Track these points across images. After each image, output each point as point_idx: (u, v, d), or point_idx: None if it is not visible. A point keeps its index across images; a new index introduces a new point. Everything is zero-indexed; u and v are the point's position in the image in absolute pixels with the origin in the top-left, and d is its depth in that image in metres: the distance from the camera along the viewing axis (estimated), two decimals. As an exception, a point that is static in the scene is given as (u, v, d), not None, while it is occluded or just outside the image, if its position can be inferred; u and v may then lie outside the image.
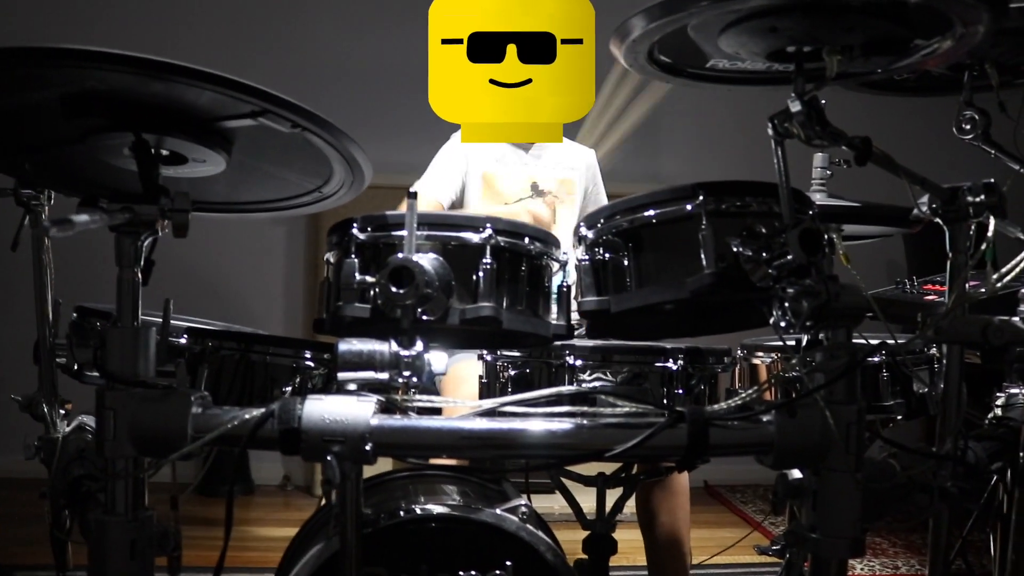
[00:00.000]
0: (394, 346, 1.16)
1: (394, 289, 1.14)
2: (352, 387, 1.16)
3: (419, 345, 1.16)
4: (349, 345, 1.16)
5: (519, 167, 2.30)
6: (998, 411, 1.70)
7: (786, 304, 1.11)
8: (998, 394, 1.71)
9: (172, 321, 1.88)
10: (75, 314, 1.74)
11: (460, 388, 1.84)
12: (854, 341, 1.58)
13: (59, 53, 0.99)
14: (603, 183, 2.45)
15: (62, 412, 1.64)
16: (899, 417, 1.87)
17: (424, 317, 1.18)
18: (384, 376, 1.15)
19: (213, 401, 1.53)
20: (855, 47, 1.14)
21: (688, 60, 1.27)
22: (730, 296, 1.23)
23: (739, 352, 1.91)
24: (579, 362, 1.42)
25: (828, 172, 1.72)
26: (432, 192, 2.25)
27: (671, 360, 1.45)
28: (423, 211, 1.21)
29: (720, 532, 3.11)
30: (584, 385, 1.40)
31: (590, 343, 1.45)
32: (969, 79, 1.53)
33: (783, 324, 1.13)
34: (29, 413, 1.62)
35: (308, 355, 1.49)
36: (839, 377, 1.13)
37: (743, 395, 1.15)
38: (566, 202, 2.29)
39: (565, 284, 1.32)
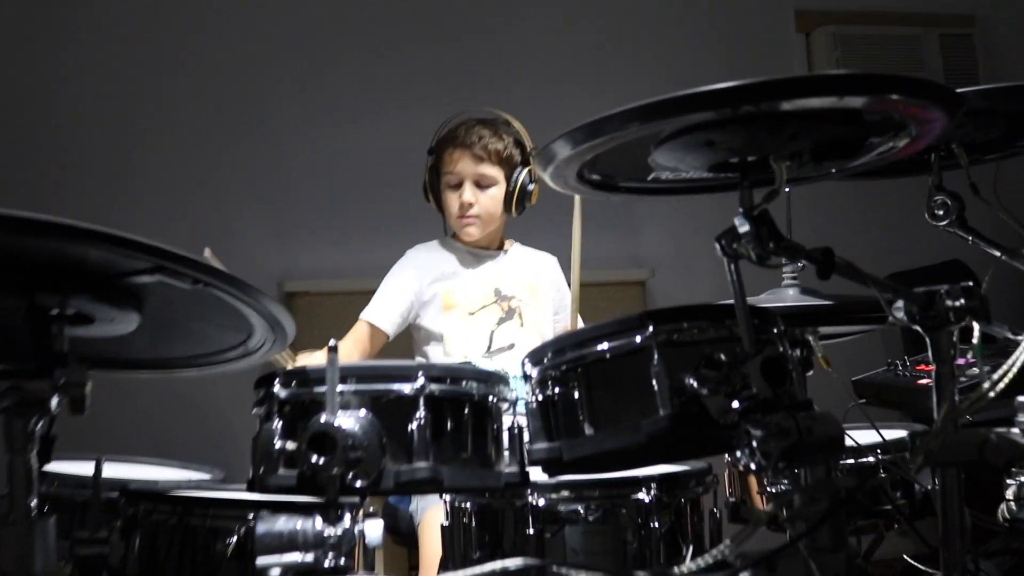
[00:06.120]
0: (319, 523, 1.03)
1: (315, 458, 1.03)
2: (275, 573, 1.03)
3: (347, 520, 1.03)
4: (267, 526, 1.04)
5: (478, 274, 2.18)
6: (1010, 504, 1.57)
7: (754, 445, 0.99)
8: (1008, 482, 1.57)
9: (140, 464, 1.78)
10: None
11: (433, 534, 1.69)
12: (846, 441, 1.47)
13: None
14: (582, 270, 2.35)
15: None
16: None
17: (356, 483, 1.06)
18: (309, 558, 1.02)
19: (151, 566, 1.43)
20: (804, 152, 1.05)
21: (628, 173, 1.17)
22: (692, 436, 1.10)
23: (727, 457, 1.78)
24: (542, 501, 1.29)
25: (800, 264, 1.60)
26: (378, 321, 2.14)
27: (643, 490, 1.32)
28: (345, 364, 1.09)
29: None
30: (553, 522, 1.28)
31: (553, 480, 1.32)
32: (937, 160, 1.43)
33: (753, 466, 1.01)
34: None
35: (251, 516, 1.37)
36: (821, 522, 1.00)
37: (712, 552, 1.01)
38: (531, 304, 2.16)
39: (516, 426, 1.20)
